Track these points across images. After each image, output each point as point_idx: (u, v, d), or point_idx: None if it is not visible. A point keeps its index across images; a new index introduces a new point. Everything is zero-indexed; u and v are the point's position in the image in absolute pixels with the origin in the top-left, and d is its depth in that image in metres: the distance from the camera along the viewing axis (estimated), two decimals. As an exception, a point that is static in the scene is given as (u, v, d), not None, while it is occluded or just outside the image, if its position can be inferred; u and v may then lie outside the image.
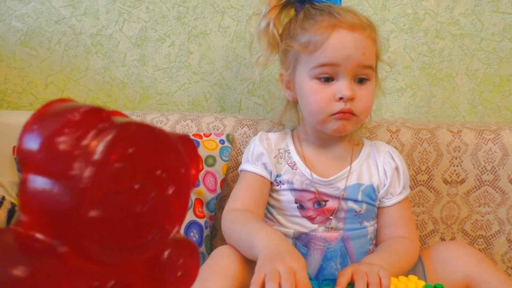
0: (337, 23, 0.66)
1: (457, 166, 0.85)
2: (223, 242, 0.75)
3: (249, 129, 0.86)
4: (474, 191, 0.86)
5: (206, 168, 0.81)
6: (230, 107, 1.02)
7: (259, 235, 0.59)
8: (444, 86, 1.00)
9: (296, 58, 0.69)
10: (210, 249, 0.81)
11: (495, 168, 0.85)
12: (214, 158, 0.82)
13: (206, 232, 0.80)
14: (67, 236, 0.21)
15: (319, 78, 0.67)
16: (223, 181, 0.84)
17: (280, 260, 0.51)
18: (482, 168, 0.85)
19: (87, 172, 0.20)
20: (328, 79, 0.67)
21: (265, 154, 0.73)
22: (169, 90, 1.02)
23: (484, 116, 1.02)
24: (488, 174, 0.85)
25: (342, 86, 0.65)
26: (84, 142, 0.21)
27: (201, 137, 0.83)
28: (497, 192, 0.86)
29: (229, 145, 0.84)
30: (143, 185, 0.23)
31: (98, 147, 0.21)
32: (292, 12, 0.74)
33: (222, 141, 0.84)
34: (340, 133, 0.69)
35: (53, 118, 0.22)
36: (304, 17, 0.69)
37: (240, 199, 0.70)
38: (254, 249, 0.57)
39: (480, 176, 0.85)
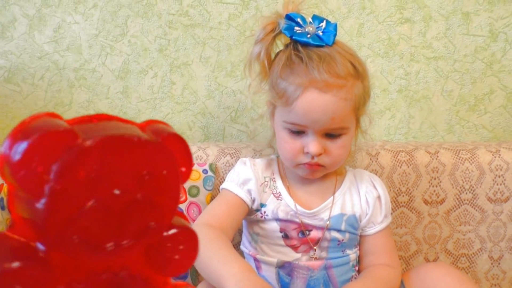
0: (311, 81, 0.63)
1: (436, 186, 0.87)
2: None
3: (232, 158, 0.87)
4: (454, 211, 0.88)
5: (189, 199, 0.82)
6: (214, 135, 1.04)
7: (233, 268, 0.57)
8: (422, 107, 1.03)
9: (276, 100, 0.69)
10: (196, 278, 0.82)
11: (473, 187, 0.87)
12: (197, 188, 0.83)
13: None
14: (47, 241, 0.24)
15: (289, 129, 0.68)
16: (208, 210, 0.85)
17: None
18: (460, 187, 0.87)
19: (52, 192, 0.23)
20: (299, 132, 0.67)
21: (253, 180, 0.73)
22: (153, 120, 1.03)
23: (462, 135, 1.04)
24: (466, 193, 0.87)
25: (309, 142, 0.66)
26: (54, 164, 0.23)
27: (184, 168, 0.84)
28: (476, 210, 0.87)
29: (212, 174, 0.85)
30: (123, 189, 0.25)
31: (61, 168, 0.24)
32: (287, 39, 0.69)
33: (205, 171, 0.85)
34: (310, 178, 0.72)
35: (34, 133, 0.24)
36: (286, 60, 0.67)
37: (217, 216, 0.69)
38: (224, 282, 0.56)
39: (459, 195, 0.87)
